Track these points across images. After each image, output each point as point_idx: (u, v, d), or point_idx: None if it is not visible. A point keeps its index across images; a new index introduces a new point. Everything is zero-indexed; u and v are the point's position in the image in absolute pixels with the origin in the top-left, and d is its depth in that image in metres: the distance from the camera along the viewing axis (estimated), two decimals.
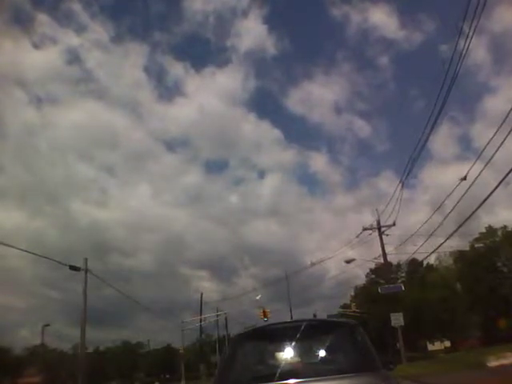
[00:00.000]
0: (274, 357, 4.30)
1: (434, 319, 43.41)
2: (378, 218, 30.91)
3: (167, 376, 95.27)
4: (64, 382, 63.30)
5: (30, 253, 21.79)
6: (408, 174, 23.32)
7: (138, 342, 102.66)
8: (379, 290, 30.97)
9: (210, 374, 65.17)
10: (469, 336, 49.83)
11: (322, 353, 4.24)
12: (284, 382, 3.71)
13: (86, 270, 22.25)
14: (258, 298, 40.57)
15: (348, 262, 32.42)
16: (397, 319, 27.67)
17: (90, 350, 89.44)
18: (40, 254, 22.51)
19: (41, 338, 55.45)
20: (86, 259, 22.78)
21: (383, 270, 53.32)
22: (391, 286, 31.24)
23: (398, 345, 31.63)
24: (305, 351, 4.27)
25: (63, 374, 65.17)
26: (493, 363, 16.36)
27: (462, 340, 50.65)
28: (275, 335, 4.49)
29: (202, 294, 54.97)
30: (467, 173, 14.96)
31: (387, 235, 31.05)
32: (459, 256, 48.89)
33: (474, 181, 16.44)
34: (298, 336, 4.12)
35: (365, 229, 31.39)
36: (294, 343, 4.17)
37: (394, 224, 30.65)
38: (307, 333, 4.19)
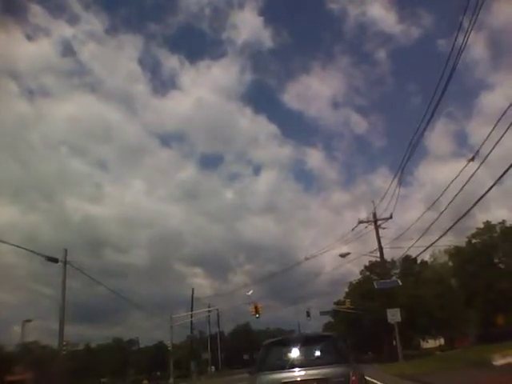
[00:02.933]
0: (287, 355, 6.77)
1: (429, 316, 42.29)
2: (374, 210, 29.73)
3: (158, 373, 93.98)
4: (53, 378, 62.31)
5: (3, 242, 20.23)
6: (407, 160, 21.94)
7: (131, 339, 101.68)
8: (375, 285, 29.79)
9: (201, 371, 63.80)
10: (465, 333, 48.92)
11: (316, 353, 6.86)
12: (292, 370, 6.32)
13: (65, 262, 20.90)
14: (249, 293, 39.27)
15: (343, 255, 31.17)
16: (393, 315, 26.35)
17: (81, 347, 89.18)
18: (15, 244, 20.94)
19: (23, 334, 53.53)
20: (66, 250, 21.42)
21: (378, 266, 52.29)
22: (387, 280, 30.02)
23: (394, 342, 30.34)
24: (306, 352, 6.81)
25: (54, 371, 64.29)
26: (499, 361, 15.10)
27: (458, 337, 49.74)
28: (289, 342, 7.17)
29: (193, 290, 53.74)
30: (475, 154, 13.71)
31: (384, 228, 29.90)
32: (456, 252, 47.89)
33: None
34: (302, 343, 6.86)
35: (361, 222, 30.21)
36: (299, 347, 6.81)
37: (390, 217, 29.56)
38: (308, 341, 7.06)
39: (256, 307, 38.20)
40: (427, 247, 29.51)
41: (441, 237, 24.91)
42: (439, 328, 45.02)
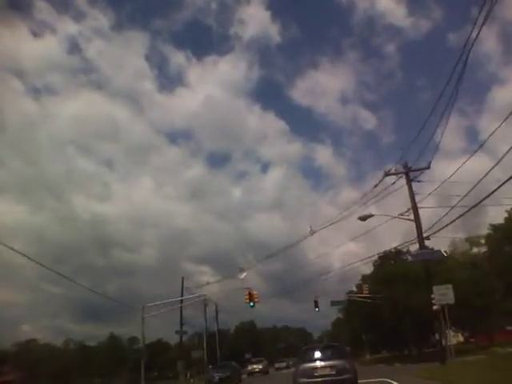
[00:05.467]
0: (315, 354, 13.84)
1: (467, 306, 34.39)
2: (402, 156, 21.81)
3: (155, 373, 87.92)
4: (43, 378, 58.27)
5: None
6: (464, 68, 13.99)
7: (133, 337, 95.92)
8: (409, 258, 22.02)
9: (197, 371, 56.49)
10: (506, 325, 41.52)
11: (330, 353, 13.97)
12: (316, 361, 13.38)
13: None
14: (242, 277, 31.74)
15: (363, 218, 22.91)
16: (444, 294, 17.94)
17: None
18: None
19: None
20: None
21: (392, 258, 44.82)
22: (428, 251, 22.00)
23: (436, 335, 22.43)
24: (324, 353, 13.86)
25: (48, 370, 60.49)
26: None
27: (499, 331, 42.07)
28: (316, 348, 14.89)
29: (183, 279, 46.53)
30: None
31: (419, 182, 22.02)
32: (493, 230, 40.46)
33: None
34: (323, 348, 14.74)
35: (387, 174, 22.27)
36: (321, 350, 14.21)
37: (428, 167, 21.69)
38: (326, 347, 15.40)
39: (250, 294, 30.64)
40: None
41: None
42: (477, 319, 37.06)
